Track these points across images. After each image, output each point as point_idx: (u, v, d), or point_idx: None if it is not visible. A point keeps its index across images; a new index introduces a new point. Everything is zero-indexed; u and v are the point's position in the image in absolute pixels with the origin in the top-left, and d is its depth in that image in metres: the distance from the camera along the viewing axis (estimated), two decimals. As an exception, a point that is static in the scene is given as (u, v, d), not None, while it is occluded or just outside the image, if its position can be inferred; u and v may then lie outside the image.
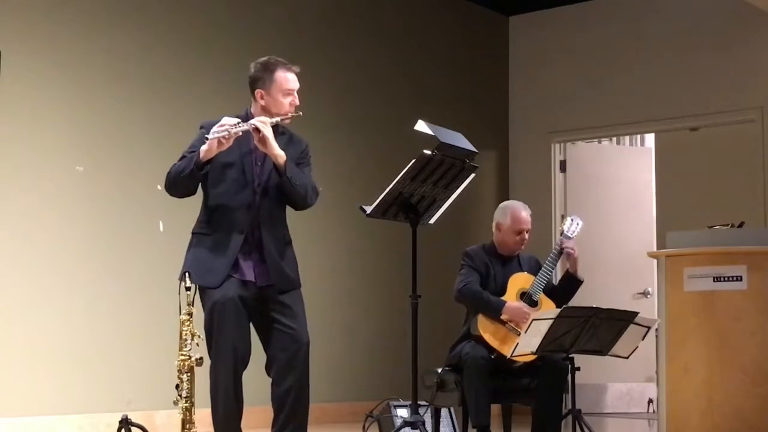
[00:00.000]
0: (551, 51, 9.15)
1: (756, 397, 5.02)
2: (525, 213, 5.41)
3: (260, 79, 4.26)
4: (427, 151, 4.50)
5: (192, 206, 6.55)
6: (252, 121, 4.13)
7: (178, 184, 4.20)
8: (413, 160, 4.50)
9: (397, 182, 4.54)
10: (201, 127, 4.24)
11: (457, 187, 4.70)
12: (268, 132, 4.11)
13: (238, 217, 4.17)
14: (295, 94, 4.29)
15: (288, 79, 4.26)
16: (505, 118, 9.30)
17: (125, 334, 6.34)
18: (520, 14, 9.33)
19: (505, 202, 5.61)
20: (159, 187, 6.54)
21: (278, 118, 4.21)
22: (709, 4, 8.41)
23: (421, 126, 4.56)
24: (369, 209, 4.64)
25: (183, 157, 4.20)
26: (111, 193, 6.39)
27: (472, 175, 4.72)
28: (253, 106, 4.30)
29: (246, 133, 4.14)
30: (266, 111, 4.24)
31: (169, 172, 4.21)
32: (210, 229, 4.21)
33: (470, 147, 4.66)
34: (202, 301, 4.21)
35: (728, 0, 8.15)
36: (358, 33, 8.08)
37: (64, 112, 6.21)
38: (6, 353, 5.85)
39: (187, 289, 4.15)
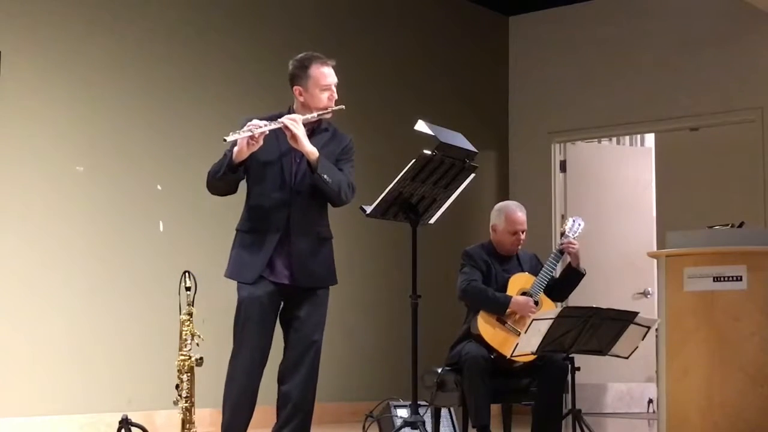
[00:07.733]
0: (551, 51, 9.14)
1: (756, 397, 5.02)
2: (520, 213, 5.40)
3: (297, 76, 4.26)
4: (427, 151, 4.49)
5: (192, 207, 6.59)
6: (281, 119, 4.12)
7: (215, 185, 4.22)
8: (413, 160, 4.49)
9: (397, 182, 4.53)
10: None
11: (457, 187, 4.69)
12: (299, 130, 4.10)
13: (275, 216, 4.18)
14: (333, 88, 4.26)
15: (324, 73, 4.24)
16: (505, 118, 9.30)
17: (125, 334, 6.34)
18: (520, 14, 9.32)
19: (500, 204, 5.59)
20: (159, 187, 6.61)
21: (315, 114, 4.19)
22: (709, 4, 8.41)
23: (421, 126, 4.55)
24: (369, 209, 4.63)
25: (224, 155, 4.18)
26: (111, 193, 6.38)
27: (472, 175, 4.70)
28: (295, 102, 4.29)
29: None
30: (306, 107, 4.23)
31: (208, 172, 4.21)
32: (249, 226, 4.23)
33: (470, 147, 4.65)
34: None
35: (728, 0, 8.15)
36: (358, 33, 8.07)
37: (64, 112, 6.21)
38: (6, 353, 5.85)
39: (187, 289, 4.15)
